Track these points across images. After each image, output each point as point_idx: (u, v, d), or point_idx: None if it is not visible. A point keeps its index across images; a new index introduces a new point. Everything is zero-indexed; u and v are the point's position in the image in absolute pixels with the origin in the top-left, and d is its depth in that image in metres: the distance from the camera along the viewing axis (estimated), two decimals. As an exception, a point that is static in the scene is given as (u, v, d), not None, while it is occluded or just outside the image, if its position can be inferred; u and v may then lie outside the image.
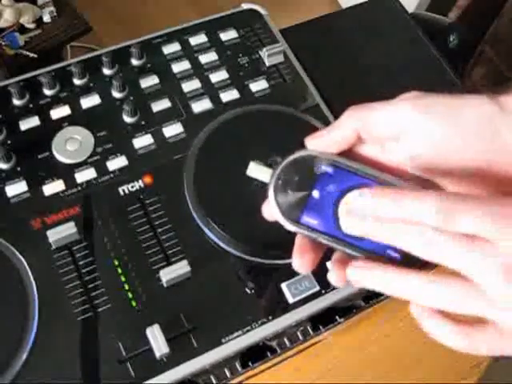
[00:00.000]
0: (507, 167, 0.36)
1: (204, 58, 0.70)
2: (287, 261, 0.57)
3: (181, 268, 0.56)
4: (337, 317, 0.63)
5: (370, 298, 0.65)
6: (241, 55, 0.70)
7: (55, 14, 1.01)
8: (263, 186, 0.40)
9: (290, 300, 0.57)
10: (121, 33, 0.69)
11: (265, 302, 0.58)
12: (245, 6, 0.75)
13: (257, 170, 0.42)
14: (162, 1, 1.31)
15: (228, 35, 0.72)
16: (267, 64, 0.69)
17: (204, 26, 0.72)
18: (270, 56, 0.69)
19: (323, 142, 0.41)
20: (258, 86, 0.68)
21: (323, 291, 0.58)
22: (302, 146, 0.41)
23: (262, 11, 0.74)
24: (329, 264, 0.39)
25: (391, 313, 0.68)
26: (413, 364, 0.69)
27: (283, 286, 0.58)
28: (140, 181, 0.61)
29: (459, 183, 0.38)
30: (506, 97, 0.37)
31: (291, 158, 0.40)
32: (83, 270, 0.56)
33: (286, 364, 0.62)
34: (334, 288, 0.58)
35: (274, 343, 0.61)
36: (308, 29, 0.80)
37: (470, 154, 0.37)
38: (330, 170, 0.39)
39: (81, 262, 0.57)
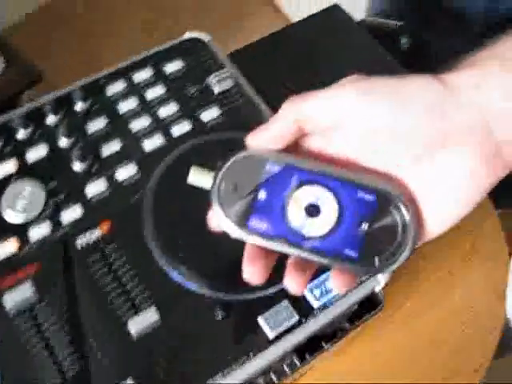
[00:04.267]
0: (460, 146, 0.34)
1: (151, 93, 0.67)
2: (260, 293, 0.54)
3: (150, 316, 0.53)
4: (323, 343, 0.60)
5: (355, 318, 0.62)
6: (189, 85, 0.68)
7: (4, 64, 0.98)
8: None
9: (270, 335, 0.54)
10: (83, 72, 0.66)
11: (243, 339, 0.55)
12: (188, 35, 0.72)
13: (198, 176, 0.39)
14: (118, 33, 1.29)
15: (174, 66, 0.69)
16: (216, 91, 0.67)
17: (148, 59, 0.70)
18: (218, 82, 0.66)
19: (264, 139, 0.39)
20: (210, 114, 0.66)
21: (303, 320, 0.55)
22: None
23: (205, 38, 0.72)
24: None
25: (379, 329, 0.66)
26: (415, 373, 0.67)
27: (260, 319, 0.55)
28: (98, 229, 0.58)
29: (415, 165, 0.36)
30: (449, 75, 0.35)
31: (232, 159, 0.38)
32: (46, 334, 0.53)
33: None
34: (314, 315, 0.55)
35: (261, 381, 0.58)
36: (259, 48, 0.78)
37: (421, 136, 0.35)
38: (275, 168, 0.37)
39: (43, 325, 0.53)
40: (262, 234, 0.37)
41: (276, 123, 0.39)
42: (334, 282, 0.37)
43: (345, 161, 0.39)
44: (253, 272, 0.38)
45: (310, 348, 0.59)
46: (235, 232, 0.37)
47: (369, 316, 0.62)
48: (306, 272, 0.38)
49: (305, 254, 0.37)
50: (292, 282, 0.37)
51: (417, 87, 0.35)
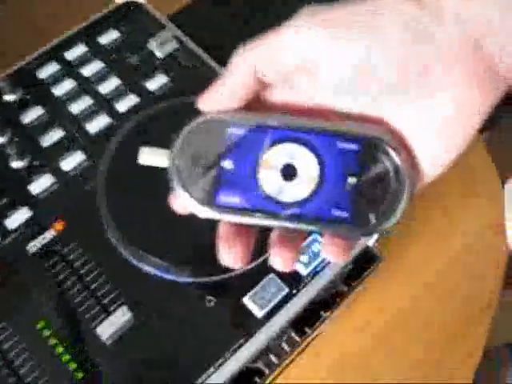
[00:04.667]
0: (448, 70, 0.29)
1: (88, 71, 0.60)
2: (240, 270, 0.48)
3: (121, 316, 0.47)
4: (321, 312, 0.54)
5: (351, 279, 0.56)
6: (129, 55, 0.61)
7: None
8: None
9: (259, 314, 0.48)
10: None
11: (230, 325, 0.49)
12: (120, 1, 0.65)
13: (150, 156, 0.33)
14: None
15: (109, 37, 0.62)
16: (160, 56, 0.60)
17: (79, 35, 0.63)
18: (160, 46, 0.60)
19: (218, 99, 0.33)
20: (157, 82, 0.59)
21: (294, 291, 0.49)
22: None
23: (140, 0, 0.65)
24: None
25: (381, 285, 0.60)
26: (420, 326, 0.62)
27: (245, 300, 0.49)
28: (50, 230, 0.52)
29: (399, 102, 0.31)
30: None
31: (186, 129, 0.32)
32: (9, 354, 0.46)
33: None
34: (305, 284, 0.49)
35: (259, 365, 0.52)
36: (199, 6, 0.70)
37: (402, 67, 0.29)
38: (237, 131, 0.32)
39: (4, 345, 0.47)
40: (235, 209, 0.31)
41: (229, 78, 0.32)
42: (327, 251, 0.31)
43: (318, 110, 0.33)
44: (231, 254, 0.32)
45: (307, 319, 0.53)
46: (203, 212, 0.32)
47: (366, 274, 0.56)
48: (293, 244, 0.32)
49: (288, 224, 0.31)
50: (279, 259, 0.31)
51: (390, 11, 0.29)
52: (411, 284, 0.64)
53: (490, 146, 0.74)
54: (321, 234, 0.32)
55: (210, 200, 0.32)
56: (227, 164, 0.32)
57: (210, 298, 0.49)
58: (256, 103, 0.33)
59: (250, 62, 0.32)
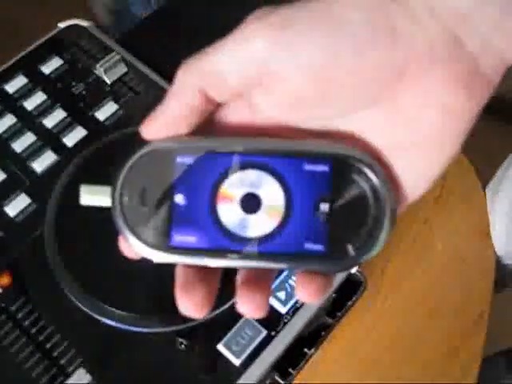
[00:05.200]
0: (425, 74, 0.25)
1: (30, 104, 0.54)
2: (211, 314, 0.43)
3: (78, 380, 0.41)
4: (305, 349, 0.49)
5: (335, 310, 0.51)
6: (75, 83, 0.56)
7: None
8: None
9: (236, 362, 0.43)
10: None
11: (206, 376, 0.43)
12: (62, 25, 0.60)
13: (91, 194, 0.29)
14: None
15: (51, 65, 0.57)
16: (108, 81, 0.55)
17: (19, 64, 0.57)
18: (107, 71, 0.54)
19: (163, 124, 0.28)
20: (106, 111, 0.54)
21: (273, 333, 0.44)
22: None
23: (85, 23, 0.60)
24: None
25: (364, 306, 0.55)
26: (412, 344, 0.58)
27: (220, 347, 0.43)
28: (-5, 285, 0.46)
29: (371, 113, 0.27)
30: None
31: (130, 162, 0.28)
32: None
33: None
34: (284, 323, 0.44)
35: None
36: (146, 27, 0.66)
37: (371, 73, 0.25)
38: (188, 159, 0.28)
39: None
40: (192, 250, 0.27)
41: (174, 99, 0.28)
42: (302, 293, 0.27)
43: (278, 129, 0.28)
44: (191, 303, 0.27)
45: (290, 359, 0.48)
46: (155, 256, 0.27)
47: (351, 302, 0.52)
48: (263, 285, 0.27)
49: (254, 263, 0.27)
50: (248, 305, 0.27)
51: (354, 6, 0.25)
52: (397, 301, 0.59)
53: (466, 149, 0.71)
54: (291, 272, 0.28)
55: (162, 242, 0.27)
56: (179, 199, 0.27)
57: (183, 346, 0.43)
58: (209, 125, 0.29)
59: (193, 82, 0.27)
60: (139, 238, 0.27)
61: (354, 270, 0.50)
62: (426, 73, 0.25)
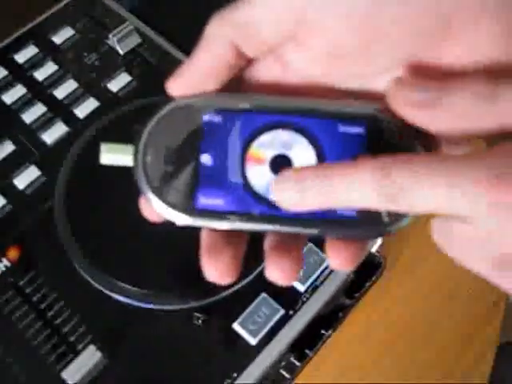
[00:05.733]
0: (472, 28, 0.23)
1: (41, 74, 0.53)
2: (228, 290, 0.42)
3: (90, 357, 0.40)
4: (322, 330, 0.48)
5: (353, 291, 0.50)
6: (87, 54, 0.54)
7: None
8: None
9: (252, 341, 0.41)
10: None
11: (222, 356, 0.42)
12: (74, -6, 0.58)
13: (112, 153, 0.27)
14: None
15: (62, 35, 0.55)
16: (122, 52, 0.53)
17: (30, 34, 0.56)
18: (120, 41, 0.53)
19: (191, 79, 0.26)
20: (119, 82, 0.52)
21: (291, 312, 0.43)
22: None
23: (97, -7, 0.58)
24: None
25: (378, 290, 0.54)
26: (427, 330, 0.56)
27: (236, 326, 0.42)
28: (4, 259, 0.44)
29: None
30: None
31: (154, 119, 0.26)
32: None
33: None
34: (302, 303, 0.43)
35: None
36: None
37: (415, 28, 0.23)
38: (216, 117, 0.26)
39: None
40: (219, 214, 0.26)
41: (202, 54, 0.26)
42: (334, 260, 0.25)
43: (312, 87, 0.27)
44: (217, 267, 0.25)
45: (307, 340, 0.47)
46: (180, 218, 0.26)
47: (370, 283, 0.50)
48: (292, 252, 0.26)
49: (284, 228, 0.25)
50: (277, 271, 0.25)
51: None
52: (411, 286, 0.57)
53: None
54: (323, 239, 0.26)
55: (187, 204, 0.26)
56: (206, 159, 0.26)
57: (199, 322, 0.42)
58: (238, 84, 0.27)
59: (225, 34, 0.25)
60: (162, 198, 0.26)
61: (374, 249, 0.49)
62: (474, 23, 0.22)
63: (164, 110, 0.26)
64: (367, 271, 0.50)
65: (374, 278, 0.50)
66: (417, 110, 0.22)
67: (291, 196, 0.22)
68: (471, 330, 0.57)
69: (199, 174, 0.26)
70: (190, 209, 0.26)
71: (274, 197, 0.23)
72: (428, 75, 0.23)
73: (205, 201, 0.26)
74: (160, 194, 0.26)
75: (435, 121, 0.21)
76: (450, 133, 0.21)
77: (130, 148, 0.27)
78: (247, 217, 0.25)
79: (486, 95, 0.20)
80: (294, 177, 0.22)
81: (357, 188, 0.21)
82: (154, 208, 0.26)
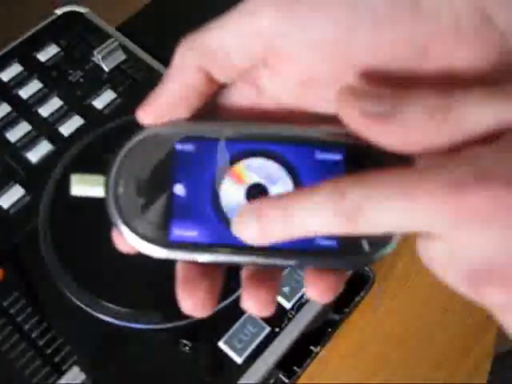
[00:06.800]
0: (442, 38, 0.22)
1: (25, 92, 0.53)
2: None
3: (73, 379, 0.39)
4: (311, 347, 0.47)
5: (343, 305, 0.49)
6: (71, 71, 0.54)
7: None
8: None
9: (238, 360, 0.41)
10: None
11: (208, 375, 0.41)
12: (59, 12, 0.58)
13: (83, 184, 0.26)
14: None
15: (47, 53, 0.55)
16: (106, 68, 0.53)
17: (14, 52, 0.55)
18: (105, 58, 0.52)
19: (161, 107, 0.25)
20: (104, 99, 0.52)
21: (277, 329, 0.42)
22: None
23: (82, 10, 0.58)
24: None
25: (370, 303, 0.53)
26: (422, 343, 0.56)
27: (221, 344, 0.41)
28: (-12, 280, 0.44)
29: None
30: None
31: (125, 149, 0.25)
32: None
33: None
34: (288, 320, 0.42)
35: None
36: (147, 15, 0.64)
37: (388, 44, 0.22)
38: (188, 146, 0.25)
39: None
40: (193, 246, 0.25)
41: (173, 79, 0.25)
42: (313, 291, 0.24)
43: (287, 113, 0.26)
44: (193, 301, 0.25)
45: (295, 357, 0.46)
46: (154, 251, 0.25)
47: (359, 298, 0.49)
48: (269, 282, 0.25)
49: (260, 260, 0.25)
50: (254, 303, 0.25)
51: None
52: (405, 298, 0.57)
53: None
54: (301, 269, 0.25)
55: (160, 236, 0.25)
56: (179, 189, 0.25)
57: (184, 343, 0.41)
58: (211, 110, 0.27)
59: (194, 60, 0.25)
60: (135, 231, 0.25)
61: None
62: (449, 51, 0.22)
63: (134, 139, 0.25)
64: (356, 286, 0.50)
65: (362, 293, 0.50)
66: (370, 122, 0.21)
67: (252, 231, 0.21)
68: (466, 343, 0.57)
69: (173, 205, 0.25)
70: (163, 241, 0.25)
71: (235, 232, 0.22)
72: (381, 84, 0.23)
73: (179, 233, 0.25)
74: (133, 226, 0.25)
75: (388, 135, 0.20)
76: (402, 148, 0.20)
77: (101, 179, 0.26)
78: (223, 249, 0.25)
79: (439, 106, 0.19)
80: (251, 211, 0.21)
81: (316, 214, 0.20)
82: (127, 240, 0.25)
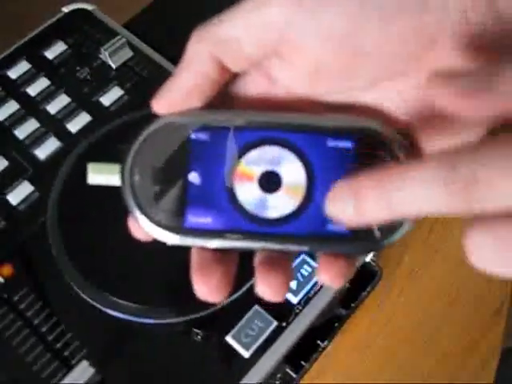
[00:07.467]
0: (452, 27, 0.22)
1: (33, 90, 0.53)
2: (216, 307, 0.42)
3: (82, 373, 0.39)
4: (318, 341, 0.47)
5: (349, 300, 0.49)
6: (79, 68, 0.54)
7: None
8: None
9: (245, 354, 0.41)
10: None
11: (215, 369, 0.42)
12: (66, 9, 0.58)
13: (99, 173, 0.27)
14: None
15: (55, 50, 0.55)
16: (114, 65, 0.53)
17: (22, 50, 0.56)
18: (112, 55, 0.53)
19: (175, 97, 0.26)
20: (111, 96, 0.52)
21: (284, 324, 0.42)
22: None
23: (89, 7, 0.58)
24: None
25: (378, 298, 0.53)
26: (429, 337, 0.56)
27: (229, 339, 0.42)
28: (-3, 276, 0.45)
29: (398, 85, 0.24)
30: None
31: (140, 138, 0.26)
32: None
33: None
34: (296, 314, 0.43)
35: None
36: (155, 11, 0.64)
37: (397, 43, 0.23)
38: (203, 135, 0.26)
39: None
40: (208, 232, 0.26)
41: (186, 69, 0.26)
42: (324, 276, 0.25)
43: (298, 103, 0.27)
44: (208, 286, 0.25)
45: (302, 352, 0.46)
46: (169, 238, 0.26)
47: (366, 293, 0.50)
48: (282, 268, 0.26)
49: (273, 245, 0.26)
50: (267, 287, 0.25)
51: None
52: (413, 293, 0.57)
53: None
54: (313, 254, 0.26)
55: (175, 223, 0.26)
56: (193, 177, 0.26)
57: (197, 339, 0.42)
58: (224, 99, 0.27)
59: (207, 48, 0.25)
60: (151, 218, 0.26)
61: (368, 258, 0.49)
62: (459, 43, 0.22)
63: (150, 129, 0.26)
64: (363, 280, 0.50)
65: (369, 288, 0.50)
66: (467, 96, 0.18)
67: (348, 211, 0.20)
68: (474, 337, 0.57)
69: (187, 193, 0.26)
70: (178, 228, 0.26)
71: (329, 213, 0.21)
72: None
73: (193, 219, 0.26)
74: (148, 213, 0.26)
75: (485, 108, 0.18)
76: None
77: (117, 167, 0.27)
78: (236, 235, 0.25)
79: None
80: (347, 189, 0.20)
81: (422, 191, 0.18)
82: (143, 228, 0.26)
